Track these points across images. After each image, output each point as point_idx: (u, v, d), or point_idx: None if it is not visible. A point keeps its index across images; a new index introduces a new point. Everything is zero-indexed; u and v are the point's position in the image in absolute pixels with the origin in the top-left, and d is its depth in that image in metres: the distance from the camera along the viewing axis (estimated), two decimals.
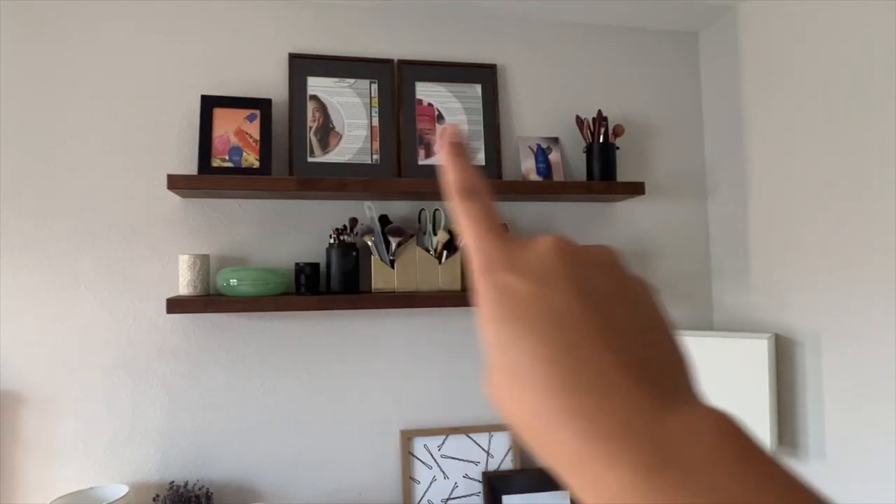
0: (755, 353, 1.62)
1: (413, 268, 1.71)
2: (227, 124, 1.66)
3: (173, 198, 1.67)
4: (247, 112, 1.68)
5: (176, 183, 1.52)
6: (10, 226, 1.58)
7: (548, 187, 1.75)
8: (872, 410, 1.45)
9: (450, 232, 1.71)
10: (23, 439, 1.56)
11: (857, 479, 1.49)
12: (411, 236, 1.71)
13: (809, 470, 1.62)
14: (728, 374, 1.65)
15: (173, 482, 1.59)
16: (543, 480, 1.76)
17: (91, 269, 1.62)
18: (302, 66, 1.76)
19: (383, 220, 1.74)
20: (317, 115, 1.75)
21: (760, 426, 1.59)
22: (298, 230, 1.74)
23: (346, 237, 1.67)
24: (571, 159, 1.93)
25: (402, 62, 1.83)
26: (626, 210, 1.96)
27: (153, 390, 1.63)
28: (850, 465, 1.51)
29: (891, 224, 1.39)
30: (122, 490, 1.52)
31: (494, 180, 1.75)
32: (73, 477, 1.57)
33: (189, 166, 1.68)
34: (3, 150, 1.59)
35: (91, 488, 1.54)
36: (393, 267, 1.70)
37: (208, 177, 1.55)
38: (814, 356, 1.61)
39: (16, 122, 1.59)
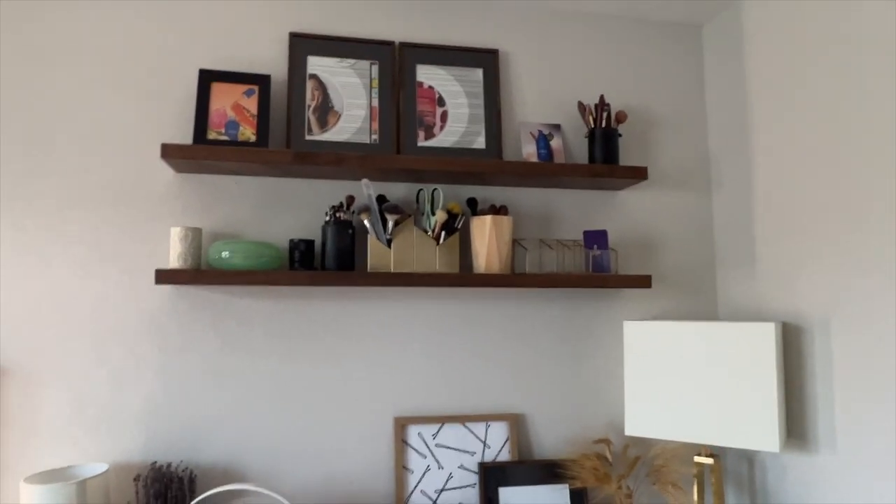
0: (762, 341, 1.56)
1: (410, 248, 1.67)
2: (225, 98, 1.64)
3: (167, 172, 1.64)
4: (245, 87, 1.66)
5: (170, 152, 1.49)
6: (12, 198, 1.55)
7: (549, 169, 1.72)
8: (886, 399, 1.39)
9: (448, 212, 1.68)
10: (3, 413, 1.50)
11: (869, 473, 1.42)
12: (409, 216, 1.68)
13: (819, 463, 1.55)
14: (735, 364, 1.59)
15: (155, 462, 1.52)
16: (542, 472, 1.69)
17: (79, 241, 1.58)
18: (302, 45, 1.75)
19: (380, 199, 1.70)
20: (316, 93, 1.73)
21: (768, 417, 1.53)
22: (294, 208, 1.71)
23: (342, 214, 1.63)
24: (573, 146, 1.90)
25: (404, 45, 1.81)
26: (629, 199, 1.92)
27: (138, 367, 1.58)
28: (862, 458, 1.44)
29: (892, 209, 1.35)
30: (101, 468, 1.46)
31: (495, 161, 1.71)
32: (51, 454, 1.51)
33: (185, 139, 1.66)
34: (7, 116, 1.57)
35: (69, 466, 1.48)
36: (389, 247, 1.66)
37: (203, 147, 1.52)
38: (823, 343, 1.55)
39: (9, 90, 1.57)
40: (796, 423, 1.62)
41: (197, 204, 1.65)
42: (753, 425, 1.55)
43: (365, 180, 1.62)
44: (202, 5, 1.71)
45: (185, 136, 1.66)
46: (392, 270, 1.65)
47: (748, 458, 1.79)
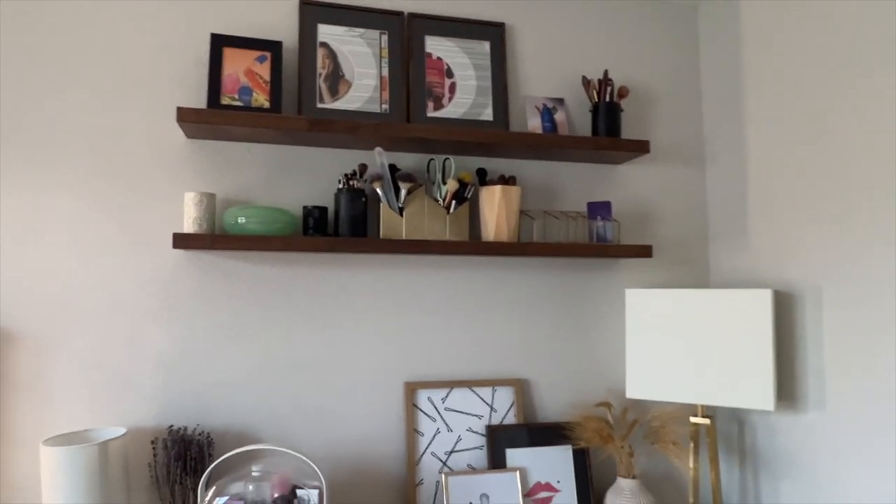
0: (758, 307, 1.64)
1: (422, 216, 1.70)
2: (237, 64, 1.63)
3: (179, 139, 1.63)
4: (257, 53, 1.66)
5: (185, 116, 1.49)
6: (10, 159, 1.52)
7: (557, 141, 1.76)
8: (873, 361, 1.48)
9: (459, 181, 1.71)
10: (17, 379, 1.49)
11: (856, 429, 1.52)
12: (420, 185, 1.70)
13: (808, 421, 1.65)
14: (732, 328, 1.67)
15: (172, 426, 1.53)
16: (547, 434, 1.76)
17: (91, 206, 1.56)
18: (313, 12, 1.75)
19: (392, 169, 1.72)
20: (326, 62, 1.74)
21: (763, 378, 1.62)
22: (305, 176, 1.72)
23: (355, 182, 1.65)
24: (576, 119, 1.95)
25: (413, 15, 1.83)
26: (628, 173, 1.98)
27: (153, 332, 1.58)
28: (849, 416, 1.54)
29: (889, 177, 1.44)
30: (120, 431, 1.47)
31: (505, 132, 1.74)
32: (67, 418, 1.51)
33: (196, 105, 1.65)
34: (9, 83, 1.53)
35: (87, 430, 1.48)
36: (402, 215, 1.69)
37: (219, 111, 1.52)
38: (814, 310, 1.64)
39: (20, 57, 1.54)
40: (786, 385, 1.72)
41: (209, 170, 1.65)
42: (749, 386, 1.64)
43: (378, 149, 1.64)
44: None
45: (195, 101, 1.65)
46: (404, 238, 1.68)
47: (738, 420, 1.89)
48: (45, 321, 1.52)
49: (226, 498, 1.40)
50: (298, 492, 1.43)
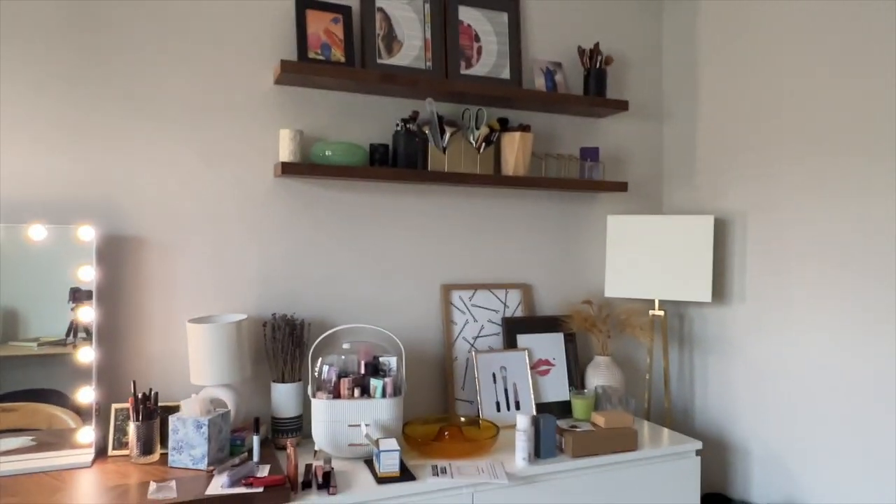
0: (703, 228, 2.25)
1: (459, 154, 2.16)
2: (317, 24, 1.99)
3: (267, 84, 1.98)
4: (332, 15, 2.02)
5: (286, 67, 1.85)
6: (143, 110, 1.83)
7: (559, 98, 2.25)
8: (780, 267, 2.13)
9: (489, 127, 2.17)
10: (146, 276, 1.86)
11: (766, 316, 2.18)
12: (459, 129, 2.15)
13: (733, 311, 2.30)
14: (683, 243, 2.27)
15: (275, 313, 1.96)
16: (545, 324, 2.32)
17: (199, 138, 1.91)
18: None
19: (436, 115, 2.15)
20: (383, 24, 2.12)
21: (703, 280, 2.24)
22: (367, 119, 2.12)
23: (410, 126, 2.08)
24: (570, 80, 2.44)
25: None
26: (607, 125, 2.52)
27: (253, 241, 1.97)
28: (761, 307, 2.20)
29: (799, 135, 2.04)
30: (242, 316, 1.88)
31: (516, 89, 2.21)
32: (190, 307, 1.90)
33: (280, 55, 2.00)
34: (128, 39, 1.82)
35: (213, 315, 1.88)
36: (444, 153, 2.14)
37: (312, 65, 1.90)
38: (741, 231, 2.27)
39: (136, 19, 1.82)
40: (718, 285, 2.36)
41: (292, 111, 2.02)
42: (693, 285, 2.26)
43: (429, 99, 2.07)
44: None
45: (282, 53, 2.00)
46: (446, 171, 2.13)
47: (680, 314, 2.53)
48: (168, 231, 1.88)
49: (329, 366, 1.85)
50: (380, 359, 1.91)
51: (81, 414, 1.72)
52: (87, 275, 1.73)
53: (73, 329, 1.73)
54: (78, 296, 1.73)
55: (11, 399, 1.68)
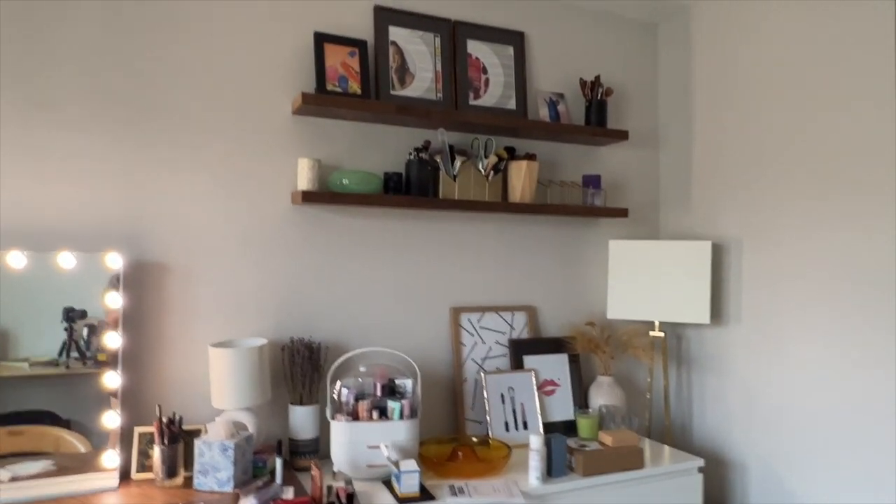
0: (701, 253, 2.35)
1: (468, 182, 2.24)
2: (335, 57, 2.07)
3: (286, 115, 2.05)
4: (349, 49, 2.10)
5: (307, 99, 1.92)
6: (162, 132, 1.89)
7: (562, 128, 2.35)
8: (774, 290, 2.23)
9: (498, 156, 2.26)
10: (167, 301, 1.90)
11: (761, 336, 2.28)
12: (469, 158, 2.24)
13: (731, 332, 2.40)
14: (683, 267, 2.37)
15: (293, 337, 2.01)
16: (550, 345, 2.39)
17: (221, 165, 1.96)
18: (384, 16, 2.20)
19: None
20: (396, 57, 2.21)
21: (701, 305, 2.33)
22: (381, 147, 2.20)
23: (423, 154, 2.16)
24: (572, 110, 2.54)
25: (458, 22, 2.32)
26: (607, 153, 2.62)
27: (271, 266, 2.03)
28: (757, 328, 2.30)
29: (791, 163, 2.16)
30: (263, 340, 1.93)
31: (522, 120, 2.30)
32: (210, 331, 1.94)
33: (299, 87, 2.07)
34: (155, 71, 1.88)
35: (233, 339, 1.93)
36: (455, 181, 2.22)
37: (331, 97, 1.97)
38: (737, 255, 2.38)
39: (161, 49, 1.89)
40: (715, 307, 2.46)
41: (309, 140, 2.09)
42: (692, 308, 2.35)
43: (441, 129, 2.16)
44: None
45: (301, 85, 2.07)
46: (456, 198, 2.21)
47: (678, 335, 2.62)
48: (189, 257, 1.93)
49: (346, 388, 1.90)
50: (396, 381, 1.97)
51: (90, 437, 1.74)
52: (114, 301, 1.77)
53: (66, 348, 1.74)
54: (72, 315, 1.75)
55: (15, 422, 1.69)
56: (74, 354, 1.75)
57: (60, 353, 1.74)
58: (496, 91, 2.37)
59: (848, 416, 1.99)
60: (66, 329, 1.74)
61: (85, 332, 1.76)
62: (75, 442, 1.75)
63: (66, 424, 1.74)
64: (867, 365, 1.94)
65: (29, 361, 1.72)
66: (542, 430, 2.23)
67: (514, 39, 2.43)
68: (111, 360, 1.76)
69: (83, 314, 1.76)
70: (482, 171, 2.26)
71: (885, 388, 1.89)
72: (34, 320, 1.71)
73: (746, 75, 2.35)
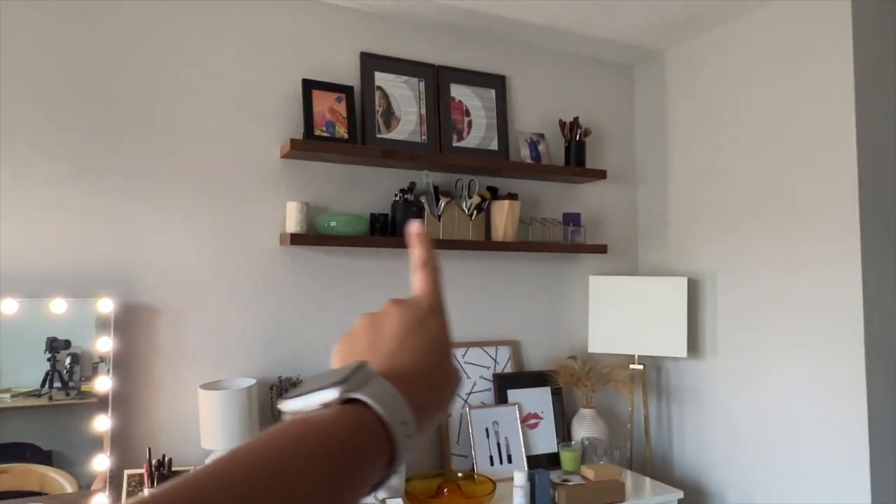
0: (678, 288, 2.43)
1: (452, 222, 2.31)
2: (322, 103, 2.14)
3: (274, 158, 2.11)
4: (336, 94, 2.17)
5: (295, 145, 1.99)
6: (151, 179, 1.94)
7: (542, 168, 2.44)
8: (748, 324, 2.32)
9: (481, 196, 2.33)
10: (157, 344, 1.93)
11: (737, 368, 2.36)
12: (453, 199, 2.31)
13: (708, 364, 2.47)
14: (659, 302, 2.45)
15: (281, 376, 2.05)
16: (534, 378, 2.45)
17: (210, 209, 2.02)
18: (370, 62, 2.28)
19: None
20: (382, 101, 2.28)
21: (678, 339, 2.41)
22: (366, 189, 2.26)
23: (408, 196, 2.22)
24: (552, 150, 2.63)
25: (441, 67, 2.41)
26: (587, 191, 2.71)
27: (259, 307, 2.07)
28: (733, 359, 2.38)
29: (761, 201, 2.26)
30: (251, 381, 1.96)
31: (504, 161, 2.39)
32: (199, 373, 1.98)
33: (287, 133, 2.13)
34: (143, 119, 1.94)
35: (222, 380, 1.96)
36: (439, 220, 2.28)
37: (319, 142, 2.04)
38: (712, 290, 2.46)
39: (149, 96, 1.95)
40: (692, 341, 2.53)
41: (296, 183, 2.15)
42: (670, 341, 2.43)
43: (426, 171, 2.23)
44: (295, 29, 2.17)
45: (289, 130, 2.14)
46: (441, 237, 2.28)
47: (657, 367, 2.70)
48: (178, 299, 1.97)
49: None
50: None
51: (75, 473, 1.75)
52: (105, 344, 1.80)
53: (49, 378, 1.75)
54: (55, 345, 1.76)
55: None
56: (57, 385, 1.76)
57: (43, 384, 1.75)
58: (479, 133, 2.45)
59: (825, 445, 2.07)
60: (48, 359, 1.76)
61: (68, 361, 1.77)
62: (61, 480, 1.77)
63: (47, 456, 1.74)
64: (839, 395, 2.02)
65: (10, 393, 1.73)
66: (526, 463, 2.27)
67: (496, 82, 2.52)
68: (101, 403, 1.79)
69: (67, 344, 1.78)
70: (466, 210, 2.33)
71: (857, 417, 1.96)
72: (19, 353, 1.73)
73: (719, 116, 2.45)
